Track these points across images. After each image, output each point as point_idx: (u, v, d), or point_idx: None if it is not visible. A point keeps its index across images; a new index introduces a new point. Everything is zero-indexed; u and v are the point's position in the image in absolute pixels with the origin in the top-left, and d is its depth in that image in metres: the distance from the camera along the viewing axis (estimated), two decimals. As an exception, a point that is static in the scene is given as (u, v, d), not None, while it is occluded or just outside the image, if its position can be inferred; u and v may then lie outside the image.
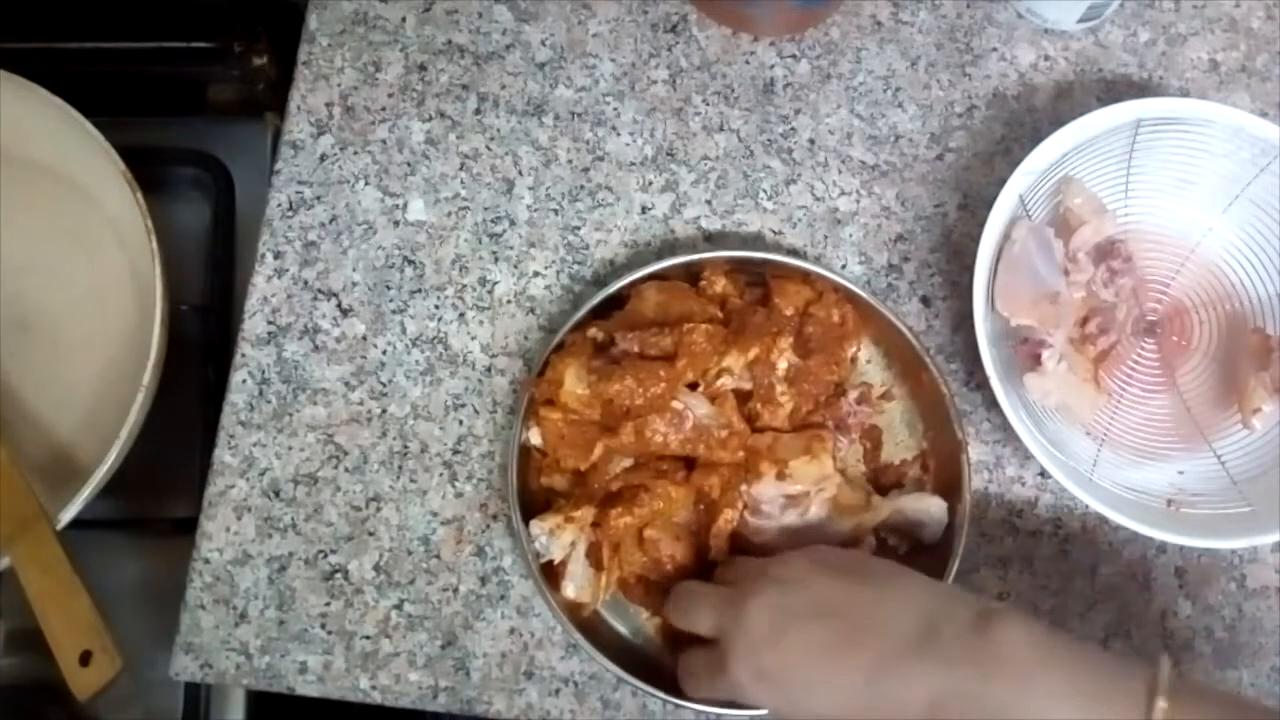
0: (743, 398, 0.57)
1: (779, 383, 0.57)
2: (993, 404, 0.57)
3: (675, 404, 0.55)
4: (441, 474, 0.60)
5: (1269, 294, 0.62)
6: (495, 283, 0.63)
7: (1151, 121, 0.60)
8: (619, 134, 0.66)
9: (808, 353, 0.58)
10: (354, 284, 0.63)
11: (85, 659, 0.55)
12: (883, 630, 0.47)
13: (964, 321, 0.61)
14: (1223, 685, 0.59)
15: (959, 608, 0.47)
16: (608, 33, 0.67)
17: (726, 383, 0.56)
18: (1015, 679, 0.44)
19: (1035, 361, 0.58)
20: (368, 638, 0.58)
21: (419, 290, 0.63)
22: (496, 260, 0.63)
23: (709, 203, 0.65)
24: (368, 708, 0.58)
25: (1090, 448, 0.59)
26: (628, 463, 0.56)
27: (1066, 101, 0.67)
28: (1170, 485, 0.59)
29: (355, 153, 0.65)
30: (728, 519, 0.55)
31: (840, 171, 0.65)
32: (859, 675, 0.46)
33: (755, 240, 0.64)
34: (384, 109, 0.66)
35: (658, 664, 0.56)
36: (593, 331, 0.57)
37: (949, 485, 0.58)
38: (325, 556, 0.59)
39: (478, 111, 0.66)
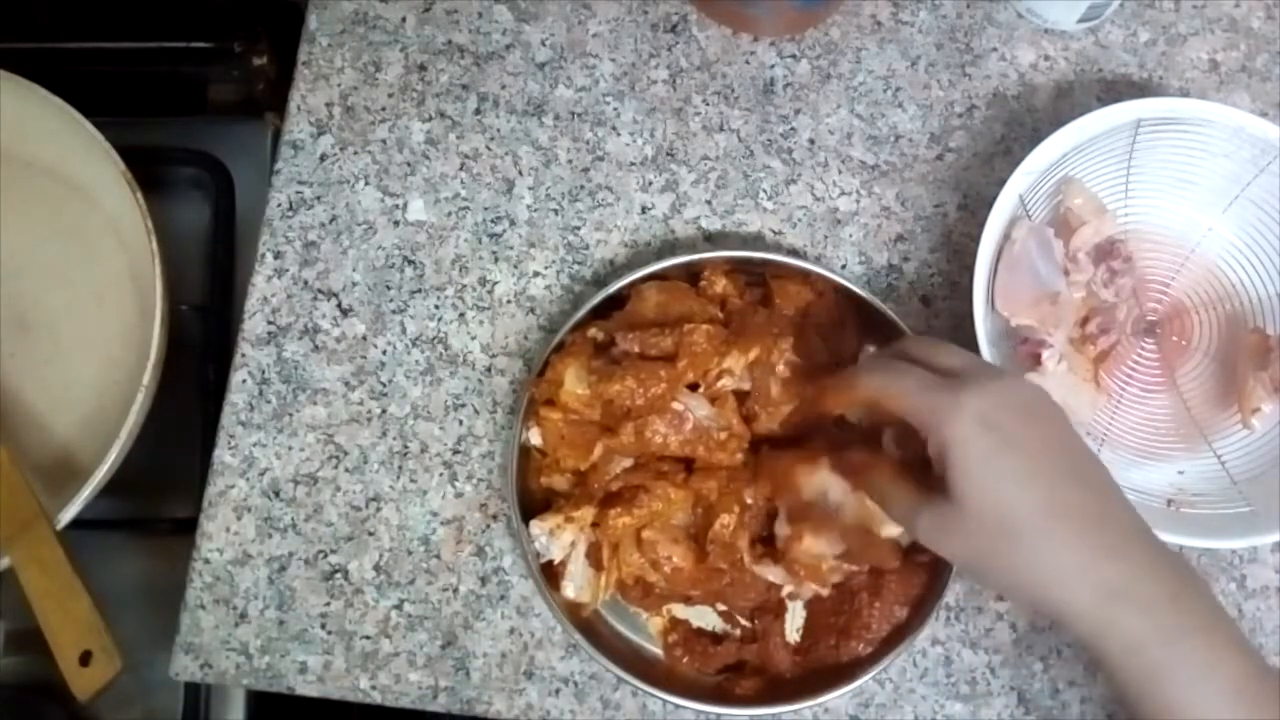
0: (741, 398, 0.57)
1: (776, 384, 0.57)
2: (993, 404, 0.57)
3: (675, 405, 0.55)
4: (441, 474, 0.60)
5: (1269, 294, 0.62)
6: (495, 283, 0.63)
7: (1152, 121, 0.60)
8: (619, 134, 0.66)
9: (809, 354, 0.58)
10: (354, 284, 0.63)
11: (85, 659, 0.55)
12: (1118, 525, 0.45)
13: (964, 321, 0.61)
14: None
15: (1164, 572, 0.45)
16: (608, 33, 0.67)
17: (727, 384, 0.56)
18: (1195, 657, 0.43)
19: (1035, 361, 0.58)
20: (368, 638, 0.58)
21: (419, 290, 0.63)
22: (496, 260, 0.63)
23: (709, 203, 0.65)
24: (368, 708, 0.58)
25: (1090, 448, 0.59)
26: (628, 463, 0.56)
27: (1066, 101, 0.67)
28: (1170, 485, 0.59)
29: (355, 153, 0.65)
30: (724, 524, 0.55)
31: (840, 171, 0.65)
32: (1085, 553, 0.44)
33: (755, 240, 0.64)
34: (384, 109, 0.66)
35: (658, 664, 0.56)
36: (593, 331, 0.57)
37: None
38: (325, 556, 0.59)
39: (478, 111, 0.66)
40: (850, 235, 0.64)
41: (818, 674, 0.56)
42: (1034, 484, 0.44)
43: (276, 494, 0.60)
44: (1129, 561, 0.44)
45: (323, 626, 0.58)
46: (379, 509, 0.60)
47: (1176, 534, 0.56)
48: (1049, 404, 0.47)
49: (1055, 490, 0.44)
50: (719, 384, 0.56)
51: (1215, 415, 0.61)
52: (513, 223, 0.64)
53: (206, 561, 0.59)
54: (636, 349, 0.55)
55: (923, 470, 0.47)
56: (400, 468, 0.60)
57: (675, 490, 0.55)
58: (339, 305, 0.62)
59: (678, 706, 0.56)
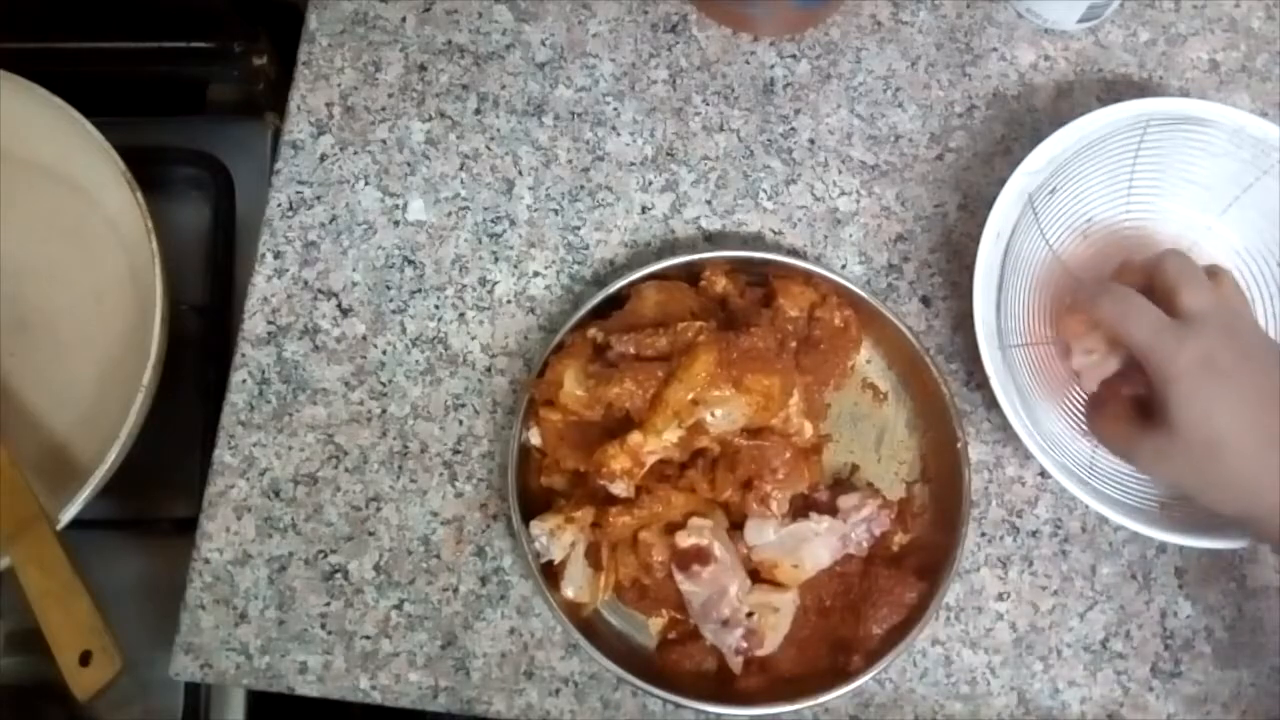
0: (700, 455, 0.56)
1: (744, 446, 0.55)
2: (993, 404, 0.57)
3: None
4: (441, 474, 0.60)
5: (1265, 295, 0.62)
6: (495, 283, 0.63)
7: (1160, 121, 0.60)
8: (619, 134, 0.66)
9: (814, 356, 0.58)
10: (354, 284, 0.63)
11: (85, 659, 0.55)
12: None
13: (964, 321, 0.61)
14: (1222, 685, 0.59)
15: None
16: (608, 33, 0.67)
17: (708, 419, 0.54)
18: None
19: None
20: (368, 638, 0.58)
21: (419, 290, 0.63)
22: (496, 260, 0.63)
23: (709, 203, 0.65)
24: (368, 708, 0.58)
25: (1085, 448, 0.59)
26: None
27: (1066, 101, 0.67)
28: (1164, 489, 0.59)
29: (355, 153, 0.65)
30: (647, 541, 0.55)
31: (840, 171, 0.65)
32: None
33: (755, 240, 0.64)
34: (384, 109, 0.66)
35: (658, 664, 0.56)
36: (592, 332, 0.57)
37: (949, 485, 0.58)
38: (325, 556, 0.59)
39: (478, 111, 0.66)
40: (850, 235, 0.64)
41: (818, 674, 0.56)
42: (1242, 414, 0.50)
43: (276, 494, 0.60)
44: None
45: (323, 626, 0.58)
46: (379, 509, 0.60)
47: (1171, 533, 0.56)
48: (1265, 343, 0.53)
49: (1260, 419, 0.50)
50: (701, 414, 0.54)
51: None
52: (513, 223, 0.64)
53: (206, 561, 0.59)
54: (632, 350, 0.55)
55: (1139, 408, 0.53)
56: (400, 468, 0.60)
57: (676, 494, 0.54)
58: (339, 305, 0.62)
59: (678, 706, 0.56)
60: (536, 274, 0.63)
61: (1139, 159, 0.61)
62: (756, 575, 0.56)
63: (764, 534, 0.55)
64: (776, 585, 0.55)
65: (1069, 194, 0.61)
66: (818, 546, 0.55)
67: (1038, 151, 0.59)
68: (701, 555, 0.54)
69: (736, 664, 0.55)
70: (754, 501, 0.54)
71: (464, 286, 0.63)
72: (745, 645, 0.55)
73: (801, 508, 0.56)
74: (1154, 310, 0.52)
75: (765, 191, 0.65)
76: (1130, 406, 0.54)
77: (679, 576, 0.54)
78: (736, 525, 0.56)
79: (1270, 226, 0.61)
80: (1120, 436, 0.54)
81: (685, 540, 0.54)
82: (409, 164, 0.65)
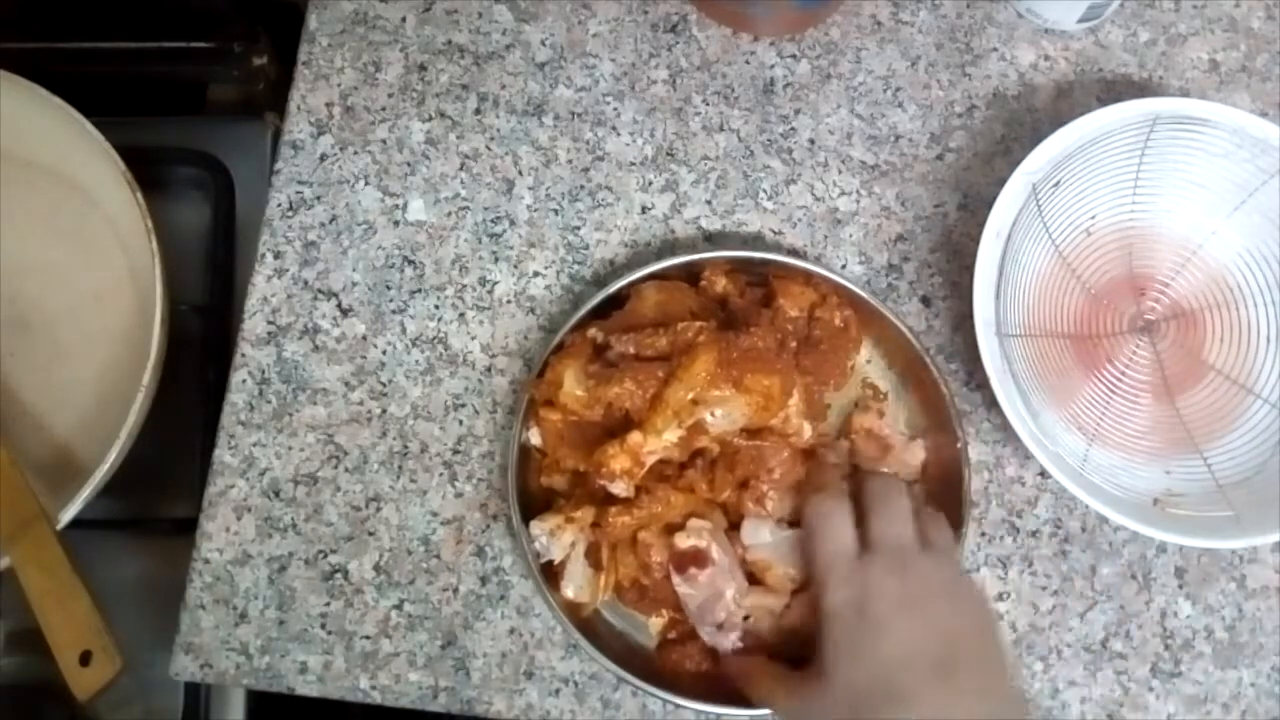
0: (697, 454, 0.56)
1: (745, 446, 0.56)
2: (993, 404, 0.57)
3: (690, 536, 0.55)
4: (441, 474, 0.60)
5: (1268, 300, 0.62)
6: (495, 283, 0.63)
7: (1166, 121, 0.60)
8: (619, 134, 0.66)
9: (814, 356, 0.58)
10: (354, 284, 0.63)
11: (85, 659, 0.55)
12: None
13: (964, 321, 0.61)
14: (1223, 685, 0.59)
15: None
16: (608, 33, 0.67)
17: (708, 419, 0.54)
18: None
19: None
20: (368, 638, 0.58)
21: (419, 290, 0.63)
22: (496, 260, 0.63)
23: (709, 203, 0.65)
24: (368, 708, 0.58)
25: (1080, 444, 0.59)
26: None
27: (1066, 101, 0.67)
28: (1158, 485, 0.59)
29: (355, 153, 0.65)
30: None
31: (840, 171, 0.65)
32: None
33: (755, 240, 0.64)
34: (384, 109, 0.66)
35: (657, 664, 0.56)
36: (592, 332, 0.57)
37: (949, 485, 0.58)
38: (325, 556, 0.59)
39: (478, 111, 0.66)
40: (850, 235, 0.64)
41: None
42: (891, 673, 0.47)
43: (276, 494, 0.60)
44: None
45: (323, 626, 0.58)
46: (379, 509, 0.60)
47: (1171, 533, 0.56)
48: (944, 598, 0.50)
49: (913, 680, 0.47)
50: (701, 413, 0.54)
51: (1205, 419, 0.61)
52: (513, 223, 0.64)
53: (206, 561, 0.59)
54: (632, 350, 0.55)
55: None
56: (400, 468, 0.60)
57: (676, 494, 0.54)
58: (339, 305, 0.62)
59: (678, 706, 0.56)
60: (536, 274, 0.63)
61: (1144, 159, 0.61)
62: (754, 577, 0.56)
63: (760, 534, 0.55)
64: (771, 589, 0.55)
65: (1073, 189, 0.61)
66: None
67: (1038, 151, 0.59)
68: (699, 558, 0.54)
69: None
70: (750, 501, 0.54)
71: (464, 286, 0.63)
72: (741, 648, 0.54)
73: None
74: (845, 535, 0.51)
75: (765, 191, 0.65)
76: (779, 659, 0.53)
77: (676, 579, 0.54)
78: (736, 526, 0.56)
79: (1276, 231, 0.61)
80: (760, 684, 0.52)
81: (684, 542, 0.54)
82: (409, 164, 0.65)
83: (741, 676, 0.54)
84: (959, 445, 0.57)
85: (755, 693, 0.53)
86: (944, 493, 0.58)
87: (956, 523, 0.56)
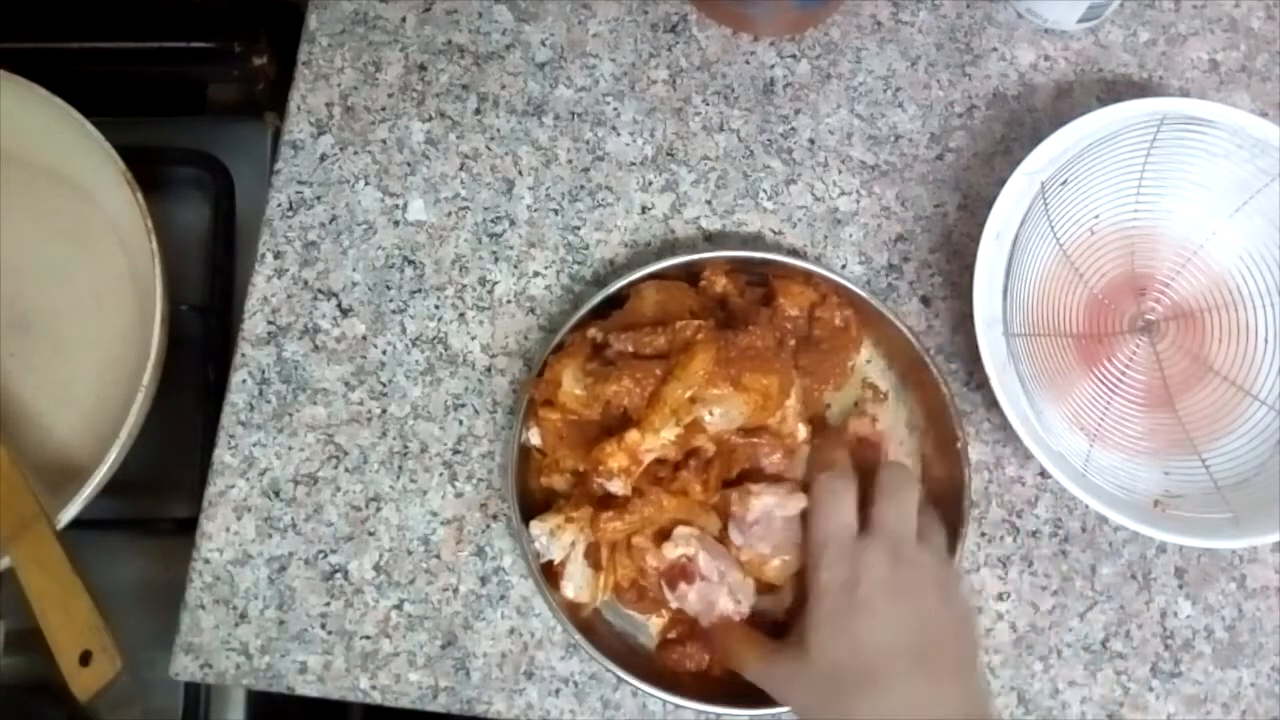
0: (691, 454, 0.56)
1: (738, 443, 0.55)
2: (993, 404, 0.57)
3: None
4: (441, 474, 0.60)
5: (1268, 303, 0.62)
6: (495, 283, 0.63)
7: (1174, 121, 0.60)
8: (619, 134, 0.66)
9: (814, 356, 0.58)
10: (354, 284, 0.63)
11: (85, 659, 0.55)
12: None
13: (964, 321, 0.61)
14: (1222, 685, 0.59)
15: None
16: (608, 33, 0.67)
17: (706, 418, 0.54)
18: None
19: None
20: (368, 638, 0.58)
21: (419, 290, 0.63)
22: (496, 260, 0.63)
23: (709, 203, 0.65)
24: (368, 708, 0.58)
25: (1082, 444, 0.59)
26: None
27: (1066, 101, 0.67)
28: (1158, 485, 0.59)
29: (355, 153, 0.65)
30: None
31: (840, 171, 0.65)
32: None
33: (755, 240, 0.64)
34: (384, 109, 0.66)
35: (658, 664, 0.56)
36: (592, 332, 0.57)
37: (949, 485, 0.58)
38: (325, 556, 0.59)
39: (478, 111, 0.66)
40: (850, 235, 0.64)
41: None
42: (871, 655, 0.48)
43: (276, 494, 0.60)
44: None
45: (323, 626, 0.58)
46: (379, 509, 0.60)
47: (1171, 533, 0.56)
48: (933, 593, 0.51)
49: (890, 666, 0.48)
50: (699, 411, 0.54)
51: (1204, 420, 0.61)
52: (513, 223, 0.64)
53: (206, 561, 0.59)
54: (631, 348, 0.55)
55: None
56: (400, 468, 0.60)
57: (669, 498, 0.54)
58: (339, 305, 0.62)
59: (678, 706, 0.56)
60: (536, 274, 0.63)
61: (1150, 159, 0.61)
62: (760, 583, 0.55)
63: (747, 532, 0.55)
64: (773, 589, 0.55)
65: (1079, 188, 0.61)
66: (791, 524, 0.54)
67: (1038, 151, 0.59)
68: (686, 574, 0.54)
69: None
70: (736, 500, 0.54)
71: (464, 286, 0.63)
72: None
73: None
74: (847, 515, 0.51)
75: (765, 191, 0.65)
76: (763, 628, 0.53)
77: (668, 594, 0.54)
78: None
79: (1277, 234, 0.61)
80: (745, 654, 0.52)
81: (671, 552, 0.54)
82: (409, 164, 0.65)
83: (718, 641, 0.54)
84: (959, 445, 0.57)
85: (730, 658, 0.53)
86: (944, 492, 0.58)
87: (957, 522, 0.56)
